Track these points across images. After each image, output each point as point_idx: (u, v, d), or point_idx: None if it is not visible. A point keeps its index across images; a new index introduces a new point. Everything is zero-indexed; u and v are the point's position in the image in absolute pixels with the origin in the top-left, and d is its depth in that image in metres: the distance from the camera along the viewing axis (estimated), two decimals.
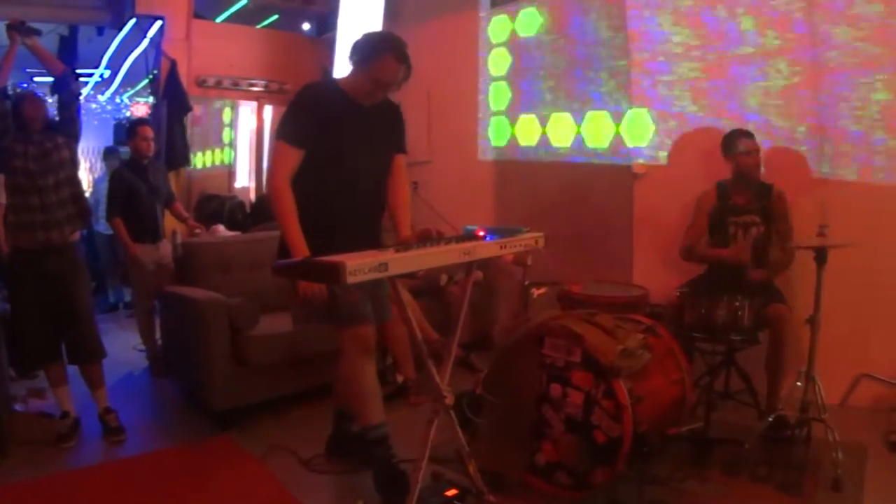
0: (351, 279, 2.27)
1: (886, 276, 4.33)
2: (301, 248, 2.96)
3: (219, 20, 8.40)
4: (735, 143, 4.36)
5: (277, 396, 4.39)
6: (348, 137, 3.14)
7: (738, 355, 4.05)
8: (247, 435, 4.10)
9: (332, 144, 3.10)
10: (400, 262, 2.50)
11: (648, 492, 3.20)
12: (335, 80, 3.33)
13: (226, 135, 8.71)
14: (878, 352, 4.42)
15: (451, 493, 3.11)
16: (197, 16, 7.68)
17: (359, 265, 2.30)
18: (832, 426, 3.53)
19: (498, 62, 6.25)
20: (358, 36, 3.20)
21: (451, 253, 2.72)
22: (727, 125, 4.68)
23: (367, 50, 3.11)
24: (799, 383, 3.72)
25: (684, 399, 3.55)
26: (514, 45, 6.12)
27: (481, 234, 2.94)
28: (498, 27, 6.22)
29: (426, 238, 2.92)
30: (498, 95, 6.26)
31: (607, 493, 3.14)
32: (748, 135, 4.39)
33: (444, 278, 3.38)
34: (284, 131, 3.11)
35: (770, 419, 3.74)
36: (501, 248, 2.93)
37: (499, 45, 6.23)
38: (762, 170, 4.39)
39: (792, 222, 4.31)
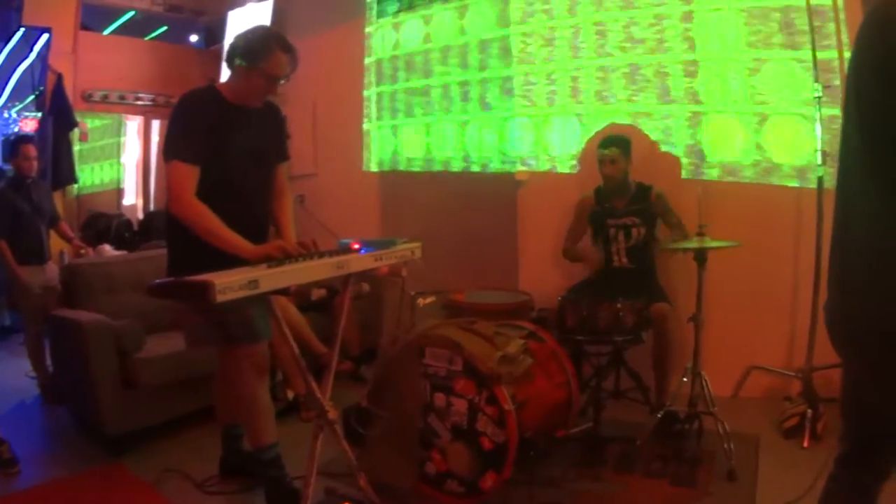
0: (220, 298, 2.21)
1: (769, 270, 4.50)
2: (246, 248, 2.82)
3: (106, 32, 8.18)
4: (598, 151, 4.48)
5: (169, 419, 4.27)
6: (233, 146, 3.03)
7: (629, 353, 4.11)
8: (141, 460, 3.97)
9: (218, 154, 2.97)
10: (271, 278, 2.44)
11: (541, 494, 3.22)
12: (214, 86, 3.19)
13: (114, 151, 8.49)
14: (767, 344, 4.57)
15: None
16: (84, 27, 7.46)
17: (228, 283, 2.25)
18: (721, 418, 3.61)
19: (383, 72, 6.25)
20: (236, 38, 3.10)
21: (325, 267, 2.68)
22: (614, 129, 4.79)
23: (253, 48, 2.99)
24: (685, 379, 3.79)
25: (570, 401, 3.58)
26: (399, 55, 6.12)
27: (356, 246, 2.91)
28: (383, 37, 6.22)
29: (304, 248, 2.87)
30: (382, 106, 6.25)
31: (499, 498, 3.14)
32: (607, 143, 4.48)
33: (315, 293, 3.33)
34: (175, 150, 2.93)
35: (659, 415, 3.81)
36: (376, 260, 2.91)
37: (383, 55, 6.24)
38: (621, 176, 4.46)
39: (678, 213, 4.41)
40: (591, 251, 4.51)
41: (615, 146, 4.45)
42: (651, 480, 3.46)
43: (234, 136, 3.04)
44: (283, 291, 2.72)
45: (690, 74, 4.69)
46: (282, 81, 3.10)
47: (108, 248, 6.35)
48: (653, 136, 4.87)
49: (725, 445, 3.50)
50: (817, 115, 4.08)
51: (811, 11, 4.12)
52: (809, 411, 3.91)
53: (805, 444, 3.82)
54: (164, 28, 8.42)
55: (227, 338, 3.08)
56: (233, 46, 3.07)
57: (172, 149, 2.95)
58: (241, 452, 3.62)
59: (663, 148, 4.83)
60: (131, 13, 8.03)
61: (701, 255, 3.67)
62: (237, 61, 3.03)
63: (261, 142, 3.18)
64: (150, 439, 4.16)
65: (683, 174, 4.76)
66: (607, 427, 3.74)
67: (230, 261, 2.70)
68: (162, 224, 7.08)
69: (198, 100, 3.07)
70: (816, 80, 4.07)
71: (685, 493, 3.34)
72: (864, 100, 1.69)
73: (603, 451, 3.65)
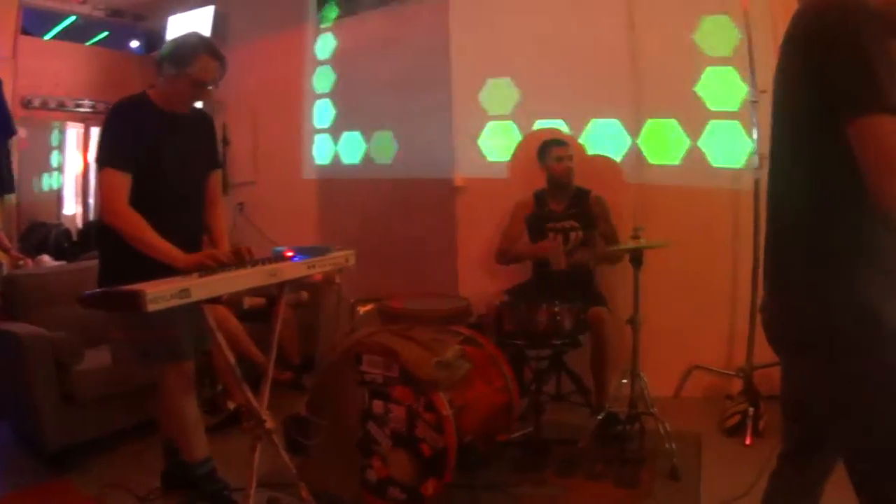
0: (151, 307, 2.18)
1: (708, 272, 4.57)
2: (179, 256, 2.81)
3: (47, 37, 7.99)
4: (547, 151, 4.51)
5: (110, 432, 4.19)
6: (166, 154, 3.02)
7: (570, 356, 4.14)
8: (84, 475, 3.89)
9: (150, 162, 2.96)
10: (203, 287, 2.42)
11: (484, 499, 3.23)
12: (145, 93, 3.16)
13: (54, 159, 8.31)
14: (707, 344, 4.65)
15: None
16: (25, 32, 7.29)
17: (159, 292, 2.22)
18: (662, 418, 3.65)
19: (323, 79, 6.23)
20: (166, 43, 3.10)
21: (257, 275, 2.66)
22: (545, 135, 4.81)
23: (181, 54, 2.99)
24: (625, 381, 3.82)
25: (510, 405, 3.59)
26: (339, 61, 6.10)
27: (289, 254, 2.90)
28: (323, 44, 6.20)
29: (238, 256, 2.87)
30: (322, 113, 6.23)
31: None
32: (559, 142, 4.55)
33: (249, 301, 3.30)
34: (107, 157, 2.93)
35: (600, 417, 3.84)
36: (309, 267, 2.89)
37: (324, 62, 6.21)
38: (573, 175, 4.53)
39: (614, 223, 4.45)
40: (543, 243, 4.45)
41: (566, 144, 4.53)
42: (594, 482, 3.48)
43: (164, 142, 3.03)
44: (216, 300, 2.70)
45: (631, 80, 4.74)
46: (209, 88, 3.09)
47: (46, 259, 6.23)
48: (592, 140, 4.93)
49: (667, 445, 3.53)
50: (754, 119, 4.16)
51: (748, 17, 4.20)
52: (751, 409, 3.98)
53: (747, 442, 3.88)
54: (106, 33, 8.25)
55: (153, 356, 3.06)
56: (162, 52, 3.07)
57: (104, 156, 2.95)
58: (183, 465, 3.58)
59: (602, 152, 4.89)
60: (72, 18, 7.86)
61: (636, 257, 3.70)
62: (165, 67, 3.03)
63: (192, 149, 3.18)
64: (91, 453, 4.08)
65: (622, 177, 4.81)
66: (549, 430, 3.76)
67: (163, 270, 2.68)
68: None
69: (128, 107, 3.06)
70: (752, 85, 4.14)
71: (629, 493, 3.37)
72: (792, 102, 1.72)
73: (545, 454, 3.66)
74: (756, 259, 4.04)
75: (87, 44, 8.14)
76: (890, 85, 1.48)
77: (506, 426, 3.60)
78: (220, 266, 2.70)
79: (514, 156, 5.16)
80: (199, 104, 3.23)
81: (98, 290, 2.59)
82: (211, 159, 3.36)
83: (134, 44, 8.25)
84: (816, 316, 1.67)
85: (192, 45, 3.02)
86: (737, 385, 4.33)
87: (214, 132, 3.43)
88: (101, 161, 2.94)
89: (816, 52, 1.59)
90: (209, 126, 3.39)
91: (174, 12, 7.24)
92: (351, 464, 3.31)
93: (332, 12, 6.05)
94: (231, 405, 4.43)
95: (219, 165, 3.43)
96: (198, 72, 2.99)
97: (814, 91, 1.60)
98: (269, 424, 2.88)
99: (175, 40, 3.09)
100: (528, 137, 5.07)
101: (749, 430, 3.93)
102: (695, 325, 4.60)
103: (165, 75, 3.04)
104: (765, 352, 1.94)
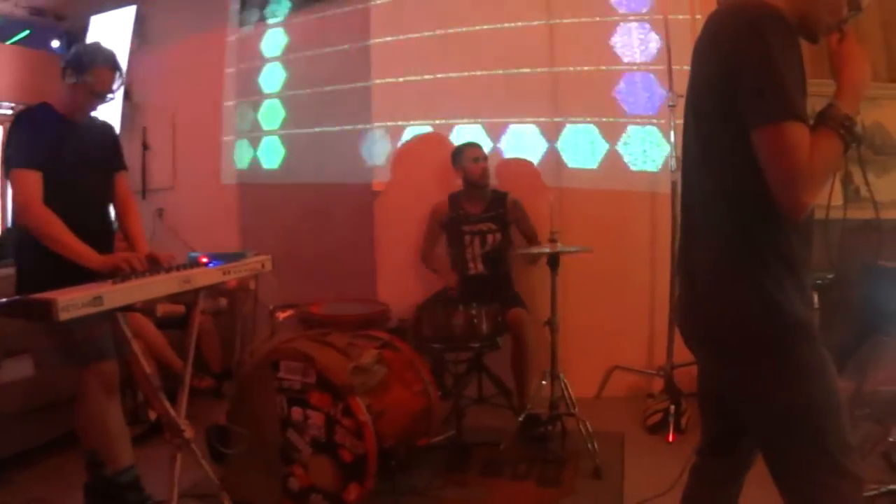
0: (64, 315, 2.15)
1: (627, 273, 4.66)
2: (93, 257, 2.81)
3: None
4: (461, 153, 4.55)
5: (31, 446, 4.07)
6: (67, 157, 3.05)
7: (492, 359, 4.16)
8: (6, 489, 3.78)
9: (52, 165, 2.97)
10: (116, 294, 2.40)
11: (407, 503, 3.24)
12: (46, 102, 3.19)
13: None
14: (628, 344, 4.72)
15: None
16: None
17: (71, 300, 2.19)
18: (583, 418, 3.70)
19: (243, 82, 6.16)
20: (70, 50, 3.14)
21: (171, 282, 2.66)
22: (461, 139, 4.86)
23: (79, 63, 3.04)
24: (544, 382, 3.86)
25: (430, 409, 3.58)
26: (259, 65, 6.05)
27: (204, 260, 2.89)
28: (244, 47, 6.12)
29: (153, 261, 2.89)
30: (241, 117, 6.17)
31: None
32: (474, 145, 4.59)
33: (162, 309, 3.25)
34: (16, 158, 2.95)
35: (521, 419, 3.87)
36: (224, 273, 2.89)
37: (244, 64, 6.14)
38: (491, 177, 4.59)
39: (532, 222, 4.53)
40: (447, 269, 4.56)
41: (479, 146, 4.59)
42: (517, 483, 3.52)
43: (65, 145, 3.07)
44: (129, 308, 2.68)
45: (549, 84, 4.81)
46: (109, 97, 3.17)
47: None
48: (510, 145, 4.98)
49: (589, 445, 3.58)
50: (671, 123, 4.24)
51: (668, 23, 4.29)
52: (672, 407, 4.05)
53: (670, 439, 3.96)
54: (27, 32, 8.01)
55: (74, 357, 3.02)
56: (64, 60, 3.13)
57: (13, 158, 2.98)
58: (105, 478, 3.52)
59: (520, 156, 4.95)
60: None
61: (553, 261, 3.75)
62: (66, 74, 3.08)
63: (93, 152, 3.22)
64: (14, 467, 3.95)
65: (540, 181, 4.87)
66: (472, 433, 3.78)
67: (80, 276, 2.65)
68: None
69: (30, 113, 3.14)
70: (671, 90, 4.23)
71: (551, 492, 3.41)
72: (700, 107, 1.75)
73: (468, 457, 3.68)
74: (674, 260, 4.11)
75: (8, 43, 7.91)
76: (797, 93, 1.52)
77: (426, 430, 3.59)
78: (134, 273, 2.67)
79: (428, 159, 5.18)
80: (116, 116, 3.24)
81: (10, 298, 2.55)
82: (115, 161, 3.39)
83: (55, 43, 8.03)
84: (727, 314, 1.70)
85: (90, 55, 3.09)
86: (658, 384, 4.42)
87: (117, 138, 3.48)
88: (10, 163, 2.97)
89: (726, 56, 1.61)
90: (111, 133, 3.44)
91: (96, 12, 7.09)
92: (273, 472, 3.28)
93: (253, 15, 5.97)
94: (153, 415, 4.36)
95: (124, 167, 3.45)
96: (94, 82, 3.05)
97: (722, 95, 1.63)
98: (188, 434, 2.85)
99: (77, 48, 3.17)
100: (416, 141, 5.19)
101: (671, 427, 4.00)
102: (615, 326, 4.68)
103: (66, 83, 3.09)
104: (685, 350, 1.98)
